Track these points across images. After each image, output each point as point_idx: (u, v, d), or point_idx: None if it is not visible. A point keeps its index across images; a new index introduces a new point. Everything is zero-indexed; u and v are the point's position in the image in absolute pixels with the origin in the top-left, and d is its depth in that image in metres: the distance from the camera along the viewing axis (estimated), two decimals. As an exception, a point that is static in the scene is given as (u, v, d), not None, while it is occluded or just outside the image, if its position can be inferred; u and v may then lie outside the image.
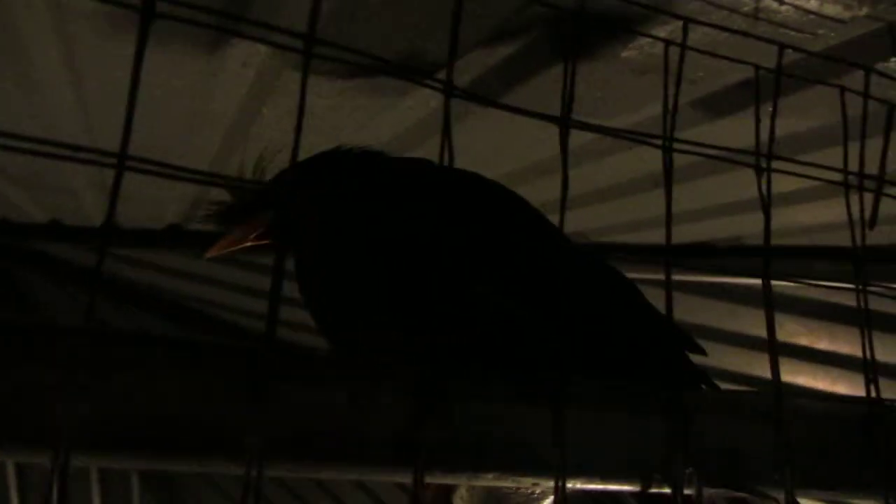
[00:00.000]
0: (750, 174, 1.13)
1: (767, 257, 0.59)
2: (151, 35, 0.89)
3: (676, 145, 0.53)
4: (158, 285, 2.27)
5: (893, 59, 0.65)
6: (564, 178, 0.49)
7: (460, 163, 0.69)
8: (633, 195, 1.13)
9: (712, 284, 1.52)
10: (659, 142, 0.52)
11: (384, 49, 0.75)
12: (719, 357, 1.62)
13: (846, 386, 1.66)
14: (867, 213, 0.62)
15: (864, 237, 0.59)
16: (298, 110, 0.45)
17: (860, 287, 0.59)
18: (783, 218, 1.29)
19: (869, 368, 0.56)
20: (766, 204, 0.55)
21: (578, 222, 1.24)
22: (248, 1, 0.73)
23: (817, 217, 1.19)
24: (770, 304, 0.59)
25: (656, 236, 1.32)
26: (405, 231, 0.65)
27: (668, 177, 0.52)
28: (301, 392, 0.41)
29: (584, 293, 0.67)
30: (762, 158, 0.56)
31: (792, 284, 1.56)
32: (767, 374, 1.62)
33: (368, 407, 0.42)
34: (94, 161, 0.39)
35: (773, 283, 1.59)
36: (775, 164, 0.56)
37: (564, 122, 0.49)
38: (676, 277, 1.46)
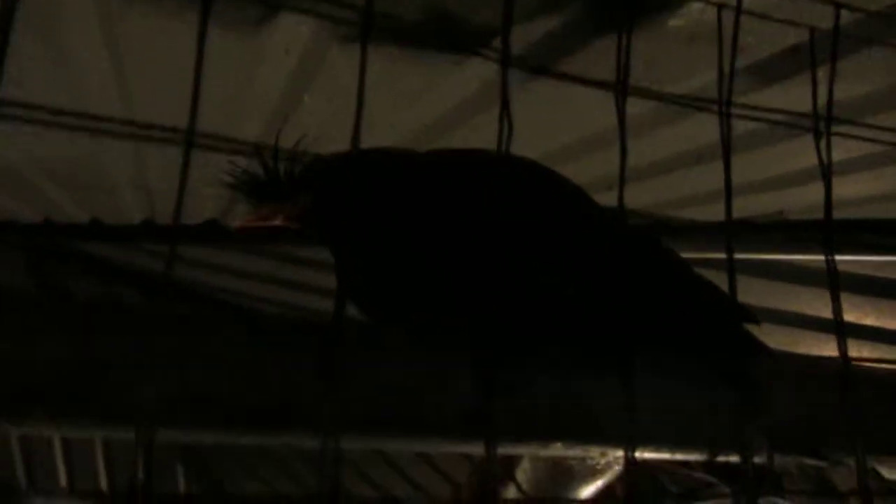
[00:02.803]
0: (793, 146, 1.11)
1: (829, 232, 0.58)
2: (191, 17, 0.90)
3: (734, 110, 0.52)
4: (194, 279, 2.30)
5: (954, 18, 0.63)
6: (623, 146, 0.49)
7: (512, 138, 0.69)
8: (675, 171, 1.12)
9: (750, 261, 1.50)
10: (715, 108, 0.52)
11: (430, 20, 0.74)
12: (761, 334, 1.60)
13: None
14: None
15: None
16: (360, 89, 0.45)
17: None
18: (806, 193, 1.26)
19: None
20: (826, 171, 0.54)
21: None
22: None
23: (863, 189, 1.17)
24: (835, 279, 0.58)
25: (701, 213, 1.31)
26: (459, 221, 0.65)
27: (727, 144, 0.52)
28: (371, 368, 0.41)
29: (640, 270, 0.66)
30: (821, 123, 0.55)
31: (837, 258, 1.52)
32: (811, 351, 1.59)
33: (437, 381, 0.42)
34: (161, 138, 0.40)
35: (814, 258, 1.56)
36: (835, 129, 0.55)
37: (621, 90, 0.48)
38: (714, 255, 1.45)
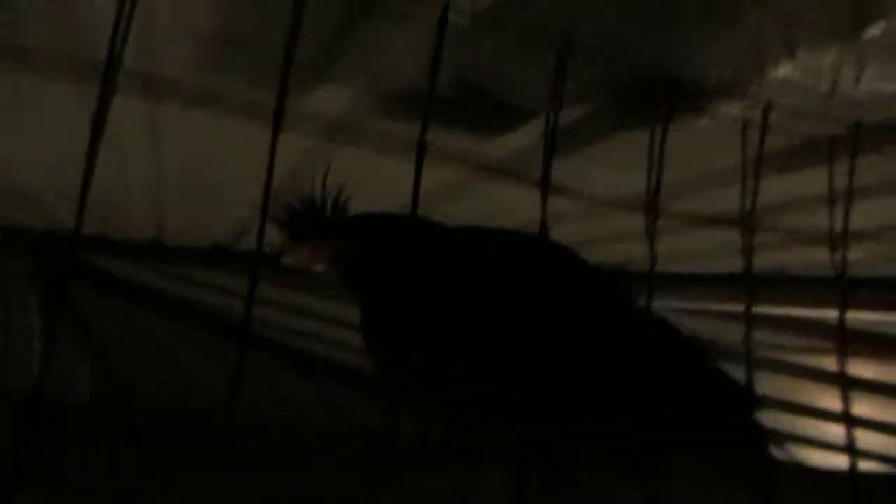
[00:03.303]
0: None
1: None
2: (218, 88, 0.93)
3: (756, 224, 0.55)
4: (204, 301, 2.32)
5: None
6: (652, 261, 0.52)
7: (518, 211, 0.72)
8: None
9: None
10: (739, 223, 0.55)
11: (463, 97, 0.78)
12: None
13: (892, 413, 1.67)
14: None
15: None
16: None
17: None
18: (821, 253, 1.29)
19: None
20: (842, 281, 0.58)
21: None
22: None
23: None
24: (844, 371, 0.61)
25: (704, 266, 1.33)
26: (480, 296, 0.67)
27: (749, 254, 0.55)
28: (417, 481, 0.44)
29: (652, 351, 0.69)
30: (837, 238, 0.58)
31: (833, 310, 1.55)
32: (805, 400, 1.61)
33: (477, 493, 0.45)
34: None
35: (804, 311, 1.58)
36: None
37: (653, 209, 0.51)
38: (711, 307, 1.48)
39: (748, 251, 0.55)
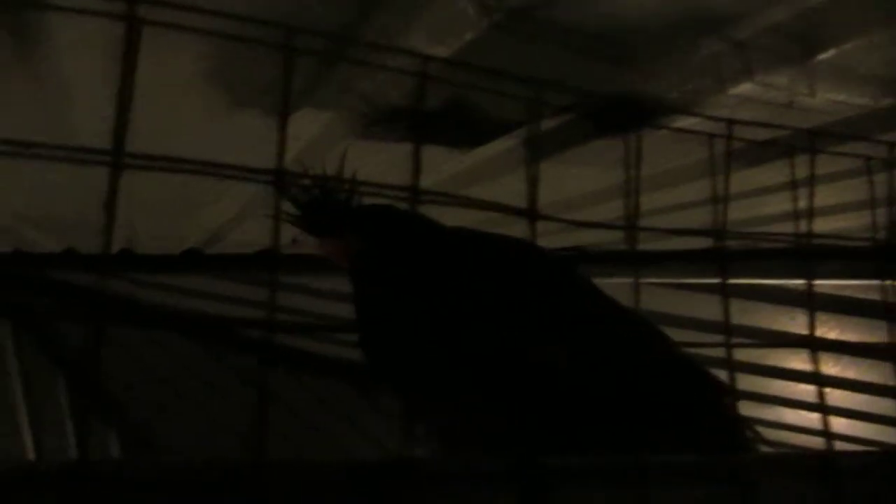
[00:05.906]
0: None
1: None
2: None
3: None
4: (179, 306, 2.32)
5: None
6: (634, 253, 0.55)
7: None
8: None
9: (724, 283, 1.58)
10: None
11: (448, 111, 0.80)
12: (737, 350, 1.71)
13: (854, 371, 1.77)
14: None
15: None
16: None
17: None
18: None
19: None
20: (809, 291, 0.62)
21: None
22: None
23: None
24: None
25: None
26: (470, 297, 0.69)
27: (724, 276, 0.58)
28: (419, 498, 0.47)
29: (633, 350, 0.72)
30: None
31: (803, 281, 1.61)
32: (779, 363, 1.68)
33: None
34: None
35: (786, 281, 1.63)
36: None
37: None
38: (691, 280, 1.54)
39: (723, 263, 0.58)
